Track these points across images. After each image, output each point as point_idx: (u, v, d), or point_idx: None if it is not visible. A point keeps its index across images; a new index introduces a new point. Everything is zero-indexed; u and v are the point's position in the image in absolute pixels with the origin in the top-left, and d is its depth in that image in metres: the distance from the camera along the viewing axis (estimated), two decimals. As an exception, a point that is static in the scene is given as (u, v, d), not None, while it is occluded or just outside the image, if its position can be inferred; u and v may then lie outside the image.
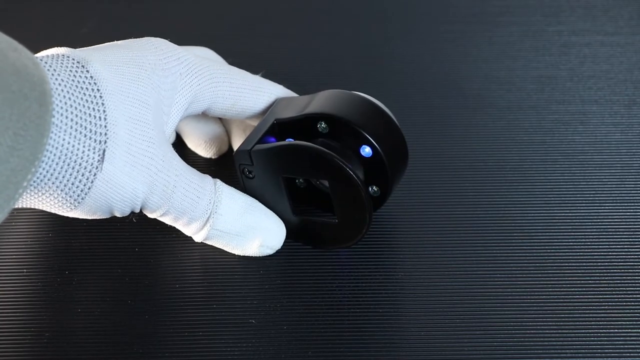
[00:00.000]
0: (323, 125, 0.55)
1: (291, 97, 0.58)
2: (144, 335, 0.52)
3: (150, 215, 0.54)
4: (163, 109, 0.53)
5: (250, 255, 0.55)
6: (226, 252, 0.55)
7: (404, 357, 0.51)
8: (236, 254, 0.55)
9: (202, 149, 0.61)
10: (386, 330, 0.52)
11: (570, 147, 0.63)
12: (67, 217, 0.52)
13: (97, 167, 0.50)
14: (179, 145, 0.61)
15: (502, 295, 0.54)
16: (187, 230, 0.54)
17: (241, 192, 0.55)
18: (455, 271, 0.55)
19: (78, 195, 0.50)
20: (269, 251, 0.55)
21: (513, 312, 0.53)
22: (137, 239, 0.57)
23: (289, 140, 0.55)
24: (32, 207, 0.51)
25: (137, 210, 0.53)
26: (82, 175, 0.49)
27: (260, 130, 0.55)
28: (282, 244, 0.55)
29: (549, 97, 0.67)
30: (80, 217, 0.52)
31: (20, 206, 0.51)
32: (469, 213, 0.58)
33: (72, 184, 0.49)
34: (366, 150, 0.55)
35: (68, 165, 0.49)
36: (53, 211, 0.51)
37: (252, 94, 0.57)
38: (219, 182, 0.54)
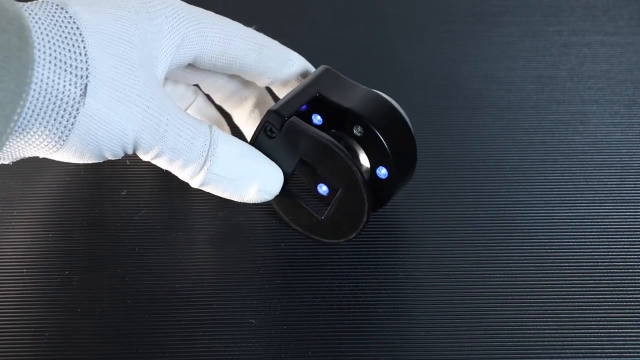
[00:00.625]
0: (360, 129, 0.55)
1: (337, 75, 0.57)
2: (144, 335, 0.52)
3: (145, 157, 0.52)
4: (152, 52, 0.52)
5: (248, 201, 0.54)
6: (226, 252, 0.55)
7: (404, 357, 0.51)
8: (234, 200, 0.54)
9: None
10: (386, 330, 0.52)
11: (570, 147, 0.63)
12: (67, 217, 0.52)
13: (79, 102, 0.49)
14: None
15: (502, 295, 0.54)
16: (183, 174, 0.53)
17: (237, 138, 0.54)
18: (455, 271, 0.55)
19: (62, 132, 0.49)
20: (267, 197, 0.55)
21: (513, 312, 0.53)
22: (137, 239, 0.57)
23: (322, 134, 0.54)
24: (21, 153, 0.50)
25: (130, 151, 0.52)
26: (65, 110, 0.49)
27: (300, 98, 0.55)
28: (279, 189, 0.55)
29: (549, 97, 0.67)
30: (70, 159, 0.51)
31: (9, 156, 0.50)
32: (469, 213, 0.58)
33: (55, 119, 0.49)
34: (382, 172, 0.55)
35: (49, 100, 0.48)
36: (40, 154, 0.50)
37: (242, 43, 0.56)
38: (214, 126, 0.53)
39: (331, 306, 0.53)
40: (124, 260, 0.56)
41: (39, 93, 0.48)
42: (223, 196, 0.54)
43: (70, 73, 0.49)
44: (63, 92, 0.48)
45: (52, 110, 0.48)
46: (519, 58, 0.70)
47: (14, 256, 0.56)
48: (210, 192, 0.54)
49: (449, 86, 0.68)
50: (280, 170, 0.55)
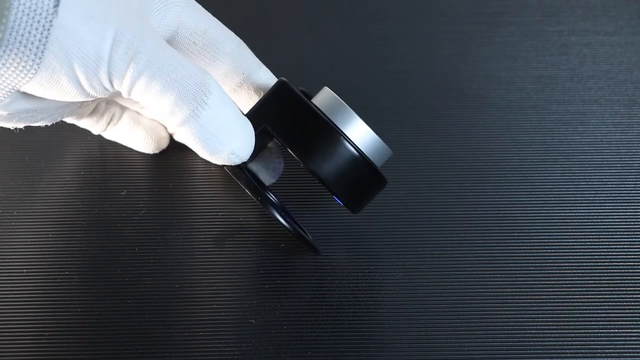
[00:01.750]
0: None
1: (291, 93, 0.55)
2: (144, 335, 0.52)
3: (122, 86, 0.50)
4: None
5: (215, 161, 0.52)
6: (226, 252, 0.55)
7: (404, 357, 0.51)
8: (202, 155, 0.52)
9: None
10: (386, 330, 0.52)
11: (570, 147, 0.63)
12: (67, 217, 0.52)
13: (52, 13, 0.48)
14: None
15: (502, 295, 0.54)
16: (162, 106, 0.50)
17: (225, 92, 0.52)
18: (455, 271, 0.55)
19: (37, 48, 0.48)
20: (237, 160, 0.52)
21: (513, 312, 0.53)
22: (137, 239, 0.57)
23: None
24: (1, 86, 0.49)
25: (105, 78, 0.50)
26: (39, 22, 0.48)
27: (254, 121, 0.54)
28: (249, 155, 0.53)
29: (549, 97, 0.67)
30: (49, 93, 0.50)
31: None
32: (469, 213, 0.58)
33: (29, 32, 0.48)
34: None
35: (22, 12, 0.47)
36: (19, 82, 0.49)
37: (225, 29, 0.55)
38: (207, 72, 0.51)
39: (331, 306, 0.53)
40: (124, 260, 0.56)
41: (17, 7, 0.47)
42: (193, 147, 0.52)
43: None
44: (37, 4, 0.48)
45: (27, 22, 0.48)
46: (519, 58, 0.70)
47: (14, 256, 0.56)
48: (182, 138, 0.52)
49: (449, 86, 0.68)
50: (253, 135, 0.52)
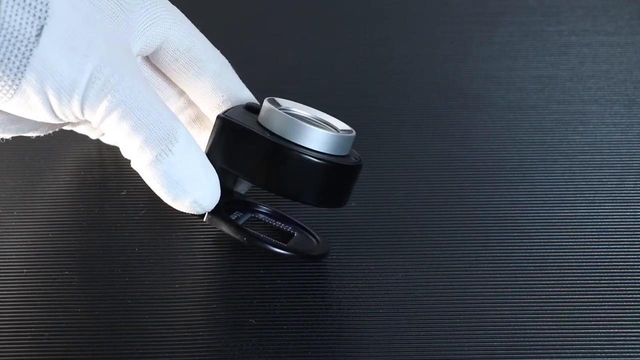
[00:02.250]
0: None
1: (235, 127, 0.54)
2: (144, 335, 0.52)
3: (93, 118, 0.50)
4: (129, 22, 0.52)
5: (178, 208, 0.52)
6: (226, 252, 0.55)
7: (404, 357, 0.51)
8: (164, 200, 0.52)
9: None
10: (386, 330, 0.52)
11: (570, 147, 0.63)
12: (67, 217, 0.52)
13: (33, 42, 0.48)
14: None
15: (502, 295, 0.54)
16: (129, 144, 0.51)
17: (195, 141, 0.52)
18: (455, 271, 0.55)
19: (15, 75, 0.48)
20: (200, 210, 0.53)
21: (513, 312, 0.53)
22: (137, 239, 0.57)
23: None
24: None
25: (77, 107, 0.50)
26: (19, 50, 0.48)
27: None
28: (213, 206, 0.53)
29: (549, 97, 0.67)
30: (23, 113, 0.50)
31: None
32: (469, 213, 0.58)
33: (9, 58, 0.48)
34: None
35: (4, 37, 0.48)
36: None
37: (209, 49, 0.55)
38: (177, 118, 0.51)
39: (331, 306, 0.53)
40: (124, 260, 0.56)
41: None
42: (157, 191, 0.52)
43: (29, 12, 0.48)
44: (19, 30, 0.48)
45: (7, 48, 0.48)
46: (519, 58, 0.70)
47: (14, 256, 0.56)
48: (146, 180, 0.52)
49: (449, 86, 0.68)
50: (219, 187, 0.53)
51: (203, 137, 0.57)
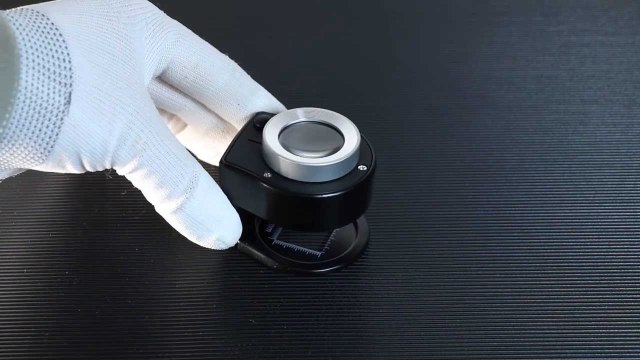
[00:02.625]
0: None
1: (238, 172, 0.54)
2: (144, 335, 0.52)
3: (120, 171, 0.52)
4: (137, 59, 0.52)
5: (203, 245, 0.54)
6: (227, 252, 0.55)
7: (404, 357, 0.51)
8: (189, 239, 0.54)
9: (202, 153, 0.60)
10: (386, 330, 0.52)
11: (570, 147, 0.63)
12: (67, 217, 0.52)
13: (63, 111, 0.48)
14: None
15: (502, 295, 0.54)
16: (154, 196, 0.52)
17: (215, 182, 0.54)
18: (455, 271, 0.55)
19: (47, 143, 0.49)
20: (224, 246, 0.54)
21: (513, 312, 0.53)
22: (137, 239, 0.57)
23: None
24: (7, 165, 0.50)
25: (108, 165, 0.51)
26: (49, 120, 0.48)
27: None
28: (236, 241, 0.55)
29: (549, 97, 0.67)
30: (53, 170, 0.50)
31: None
32: (469, 213, 0.58)
33: (40, 129, 0.48)
34: None
35: (34, 110, 0.48)
36: (25, 165, 0.50)
37: (217, 60, 0.55)
38: (199, 164, 0.53)
39: (331, 306, 0.53)
40: (124, 260, 0.56)
41: (24, 102, 0.47)
42: (182, 232, 0.54)
43: (54, 80, 0.48)
44: (47, 101, 0.48)
45: (38, 120, 0.48)
46: (519, 58, 0.70)
47: (14, 256, 0.56)
48: (172, 223, 0.54)
49: (449, 86, 0.68)
50: (240, 223, 0.54)
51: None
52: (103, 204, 0.59)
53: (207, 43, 0.56)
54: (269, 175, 0.53)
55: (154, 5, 0.54)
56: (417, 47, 0.72)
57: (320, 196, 0.52)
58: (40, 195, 0.59)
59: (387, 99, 0.67)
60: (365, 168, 0.53)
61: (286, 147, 0.53)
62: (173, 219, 0.53)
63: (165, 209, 0.53)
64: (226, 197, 0.54)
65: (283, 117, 0.55)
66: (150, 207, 0.58)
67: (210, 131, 0.59)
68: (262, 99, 0.56)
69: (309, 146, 0.53)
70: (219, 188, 0.54)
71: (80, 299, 0.54)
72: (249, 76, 0.57)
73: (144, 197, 0.58)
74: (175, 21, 0.55)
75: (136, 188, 0.56)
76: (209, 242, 0.54)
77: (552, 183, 0.60)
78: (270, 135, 0.53)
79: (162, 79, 0.56)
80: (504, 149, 0.63)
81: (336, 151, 0.53)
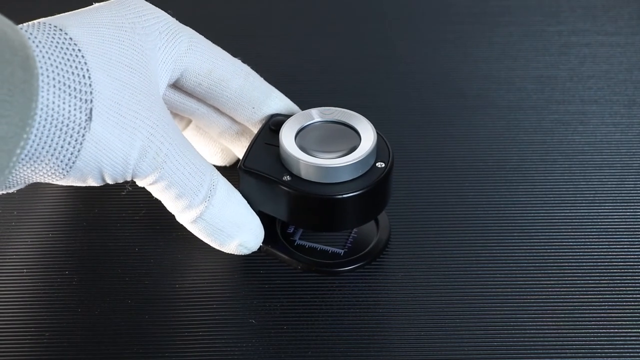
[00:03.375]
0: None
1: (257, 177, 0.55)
2: (144, 335, 0.52)
3: (141, 184, 0.52)
4: (152, 70, 0.52)
5: (226, 251, 0.55)
6: (226, 252, 0.55)
7: (404, 357, 0.51)
8: (212, 245, 0.54)
9: (219, 157, 0.60)
10: (386, 330, 0.52)
11: (570, 147, 0.63)
12: (67, 217, 0.52)
13: (84, 128, 0.48)
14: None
15: (502, 295, 0.54)
16: (174, 206, 0.53)
17: (234, 187, 0.54)
18: (456, 271, 0.55)
19: (69, 160, 0.49)
20: (246, 251, 0.55)
21: (513, 312, 0.53)
22: (137, 239, 0.57)
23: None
24: (27, 180, 0.50)
25: (129, 178, 0.51)
26: (71, 137, 0.48)
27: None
28: (258, 246, 0.55)
29: (549, 97, 0.67)
30: (73, 184, 0.51)
31: (15, 183, 0.50)
32: (469, 213, 0.58)
33: (62, 146, 0.48)
34: None
35: (56, 127, 0.48)
36: (46, 180, 0.50)
37: (230, 65, 0.56)
38: (216, 170, 0.53)
39: (331, 306, 0.53)
40: (124, 260, 0.56)
41: (45, 120, 0.47)
42: (203, 239, 0.54)
43: (75, 97, 0.48)
44: (69, 118, 0.48)
45: (59, 137, 0.48)
46: (519, 58, 0.70)
47: (14, 256, 0.56)
48: (193, 231, 0.54)
49: (449, 86, 0.68)
50: (262, 227, 0.55)
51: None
52: (103, 204, 0.59)
53: (219, 48, 0.56)
54: (288, 178, 0.53)
55: (166, 14, 0.54)
56: (417, 47, 0.72)
57: (340, 196, 0.52)
58: (40, 195, 0.59)
59: (387, 99, 0.67)
60: (383, 165, 0.53)
61: (303, 149, 0.53)
62: (194, 228, 0.53)
63: (185, 218, 0.53)
64: (246, 202, 0.54)
65: (298, 118, 0.55)
66: (150, 207, 0.58)
67: (224, 133, 0.59)
68: (277, 101, 0.57)
69: (326, 147, 0.53)
70: (238, 193, 0.54)
71: (80, 299, 0.54)
72: (262, 79, 0.57)
73: (144, 197, 0.58)
74: (188, 28, 0.55)
75: (136, 188, 0.56)
76: (231, 248, 0.54)
77: (552, 183, 0.60)
78: (287, 139, 0.53)
79: (176, 85, 0.56)
80: (504, 149, 0.63)
81: (353, 150, 0.53)
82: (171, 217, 0.57)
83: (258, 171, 0.53)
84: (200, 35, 0.55)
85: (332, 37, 0.73)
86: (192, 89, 0.56)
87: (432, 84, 0.68)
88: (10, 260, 0.56)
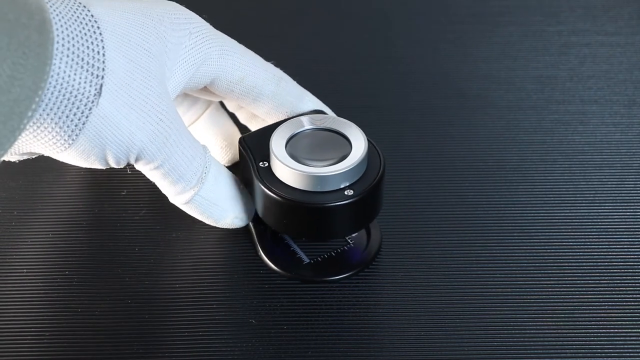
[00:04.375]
0: None
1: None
2: (144, 335, 0.52)
3: (142, 167, 0.52)
4: (167, 62, 0.52)
5: (222, 226, 0.55)
6: (227, 252, 0.55)
7: (404, 357, 0.51)
8: (208, 223, 0.55)
9: (217, 155, 0.60)
10: (386, 330, 0.52)
11: (570, 147, 0.63)
12: (67, 217, 0.52)
13: (92, 102, 0.49)
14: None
15: (502, 295, 0.54)
16: (171, 190, 0.53)
17: (222, 165, 0.55)
18: (456, 271, 0.55)
19: (72, 131, 0.49)
20: (241, 223, 0.56)
21: (513, 312, 0.53)
22: (137, 239, 0.57)
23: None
24: (28, 149, 0.50)
25: (132, 160, 0.52)
26: (78, 108, 0.48)
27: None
28: (251, 218, 0.56)
29: (549, 97, 0.67)
30: (75, 161, 0.51)
31: (16, 151, 0.50)
32: (469, 213, 0.58)
33: (67, 116, 0.48)
34: None
35: (64, 96, 0.48)
36: (46, 152, 0.50)
37: (262, 72, 0.56)
38: (207, 148, 0.54)
39: (331, 306, 0.53)
40: (124, 260, 0.56)
41: (55, 87, 0.48)
42: (199, 217, 0.55)
43: (87, 71, 0.48)
44: (78, 89, 0.48)
45: (66, 106, 0.48)
46: (519, 58, 0.70)
47: (14, 256, 0.56)
48: (188, 211, 0.55)
49: (449, 86, 0.68)
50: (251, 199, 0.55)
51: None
52: (103, 204, 0.59)
53: (252, 54, 0.56)
54: (266, 165, 0.53)
55: (200, 18, 0.55)
56: (417, 47, 0.72)
57: (329, 205, 0.52)
58: (40, 195, 0.59)
59: (387, 99, 0.67)
60: (375, 174, 0.53)
61: (294, 157, 0.53)
62: (187, 208, 0.54)
63: (180, 200, 0.54)
64: (234, 177, 0.55)
65: (289, 126, 0.55)
66: (150, 207, 0.58)
67: (253, 118, 0.59)
68: (310, 105, 0.57)
69: (317, 155, 0.53)
70: (227, 172, 0.55)
71: (80, 299, 0.54)
72: (295, 82, 0.57)
73: (144, 197, 0.58)
74: (221, 34, 0.55)
75: (136, 188, 0.56)
76: (226, 222, 0.55)
77: (552, 183, 0.60)
78: (277, 147, 0.53)
79: (208, 89, 0.56)
80: (504, 149, 0.63)
81: (344, 159, 0.53)
82: (171, 217, 0.57)
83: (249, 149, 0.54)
84: (234, 42, 0.56)
85: (332, 37, 0.73)
86: (224, 94, 0.56)
87: (432, 84, 0.68)
88: (10, 260, 0.56)
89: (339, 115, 0.57)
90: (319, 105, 0.57)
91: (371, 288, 0.54)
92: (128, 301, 0.53)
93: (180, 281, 0.55)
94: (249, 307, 0.53)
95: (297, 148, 0.53)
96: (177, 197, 0.54)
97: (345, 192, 0.52)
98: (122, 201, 0.59)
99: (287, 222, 0.53)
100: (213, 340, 0.52)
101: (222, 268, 0.55)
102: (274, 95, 0.56)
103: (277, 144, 0.53)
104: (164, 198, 0.57)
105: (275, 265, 0.55)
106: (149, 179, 0.56)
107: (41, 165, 0.59)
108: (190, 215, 0.57)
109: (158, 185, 0.54)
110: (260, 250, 0.55)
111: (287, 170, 0.52)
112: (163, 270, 0.55)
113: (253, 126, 0.59)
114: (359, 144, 0.53)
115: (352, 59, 0.71)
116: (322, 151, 0.53)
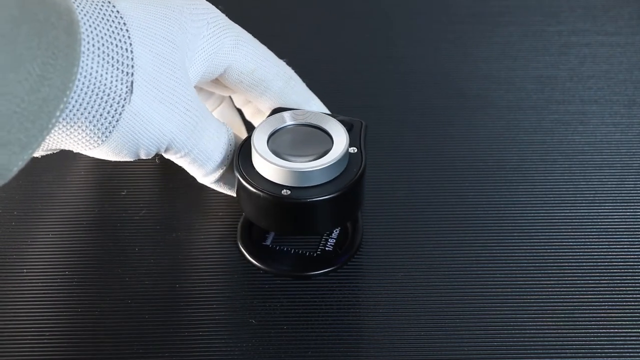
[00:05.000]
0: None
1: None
2: (144, 335, 0.52)
3: (171, 156, 0.53)
4: (187, 53, 0.53)
5: None
6: (226, 251, 0.55)
7: (404, 357, 0.51)
8: (234, 195, 0.55)
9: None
10: (386, 330, 0.52)
11: (570, 147, 0.63)
12: (67, 217, 0.52)
13: (125, 99, 0.49)
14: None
15: (502, 295, 0.54)
16: (200, 172, 0.54)
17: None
18: (456, 271, 0.55)
19: (106, 129, 0.50)
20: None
21: (513, 312, 0.53)
22: (137, 239, 0.57)
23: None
24: (59, 146, 0.51)
25: (162, 151, 0.52)
26: (111, 106, 0.49)
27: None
28: None
29: (549, 97, 0.67)
30: (106, 156, 0.52)
31: (47, 147, 0.51)
32: (469, 213, 0.58)
33: (101, 115, 0.49)
34: None
35: (97, 95, 0.49)
36: (79, 149, 0.51)
37: (273, 67, 0.56)
38: (230, 129, 0.55)
39: (331, 306, 0.53)
40: (124, 260, 0.56)
41: (87, 86, 0.48)
42: (228, 193, 0.56)
43: (117, 69, 0.49)
44: (110, 88, 0.49)
45: (99, 105, 0.49)
46: (519, 58, 0.70)
47: (14, 256, 0.56)
48: (217, 189, 0.55)
49: (449, 86, 0.68)
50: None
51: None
52: (103, 204, 0.59)
53: (265, 48, 0.57)
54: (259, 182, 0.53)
55: (216, 9, 0.55)
56: (417, 47, 0.72)
57: (310, 200, 0.52)
58: (40, 195, 0.59)
59: (387, 99, 0.67)
60: (356, 170, 0.53)
61: (276, 153, 0.53)
62: (216, 186, 0.55)
63: (208, 180, 0.55)
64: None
65: (271, 121, 0.55)
66: (150, 207, 0.58)
67: (258, 113, 0.60)
68: (315, 109, 0.57)
69: (298, 150, 0.53)
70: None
71: (80, 299, 0.54)
72: (305, 85, 0.58)
73: (144, 197, 0.58)
74: (237, 25, 0.56)
75: (136, 188, 0.56)
76: None
77: (552, 183, 0.60)
78: (259, 142, 0.53)
79: (218, 80, 0.57)
80: (504, 149, 0.63)
81: (324, 155, 0.53)
82: (171, 217, 0.57)
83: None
84: (248, 34, 0.56)
85: (332, 37, 0.73)
86: (233, 85, 0.57)
87: (432, 84, 0.68)
88: (10, 260, 0.56)
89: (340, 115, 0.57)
90: (324, 111, 0.57)
91: (371, 288, 0.54)
92: (128, 301, 0.53)
93: (180, 281, 0.55)
94: (249, 307, 0.53)
95: (279, 144, 0.53)
96: (206, 177, 0.55)
97: (321, 190, 0.52)
98: (122, 201, 0.59)
99: (265, 216, 0.53)
100: (213, 340, 0.52)
101: (222, 268, 0.55)
102: (281, 92, 0.56)
103: (259, 138, 0.54)
104: (164, 198, 0.58)
105: (258, 261, 0.55)
106: (149, 179, 0.56)
107: (41, 165, 0.59)
108: (190, 215, 0.57)
109: (186, 169, 0.54)
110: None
111: (267, 165, 0.52)
112: (163, 270, 0.55)
113: (257, 122, 0.59)
114: (341, 140, 0.53)
115: (353, 58, 0.71)
116: (303, 147, 0.53)
